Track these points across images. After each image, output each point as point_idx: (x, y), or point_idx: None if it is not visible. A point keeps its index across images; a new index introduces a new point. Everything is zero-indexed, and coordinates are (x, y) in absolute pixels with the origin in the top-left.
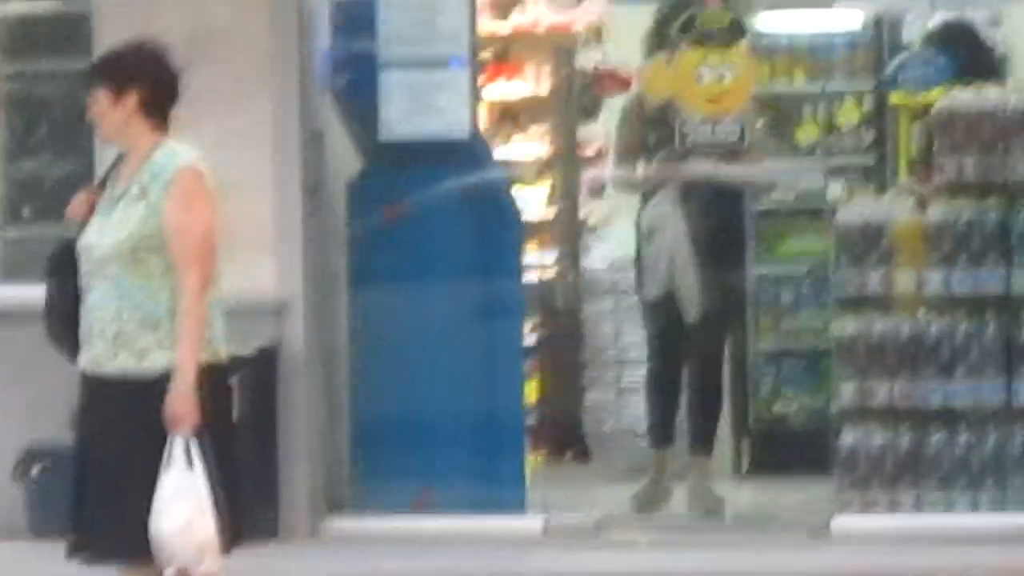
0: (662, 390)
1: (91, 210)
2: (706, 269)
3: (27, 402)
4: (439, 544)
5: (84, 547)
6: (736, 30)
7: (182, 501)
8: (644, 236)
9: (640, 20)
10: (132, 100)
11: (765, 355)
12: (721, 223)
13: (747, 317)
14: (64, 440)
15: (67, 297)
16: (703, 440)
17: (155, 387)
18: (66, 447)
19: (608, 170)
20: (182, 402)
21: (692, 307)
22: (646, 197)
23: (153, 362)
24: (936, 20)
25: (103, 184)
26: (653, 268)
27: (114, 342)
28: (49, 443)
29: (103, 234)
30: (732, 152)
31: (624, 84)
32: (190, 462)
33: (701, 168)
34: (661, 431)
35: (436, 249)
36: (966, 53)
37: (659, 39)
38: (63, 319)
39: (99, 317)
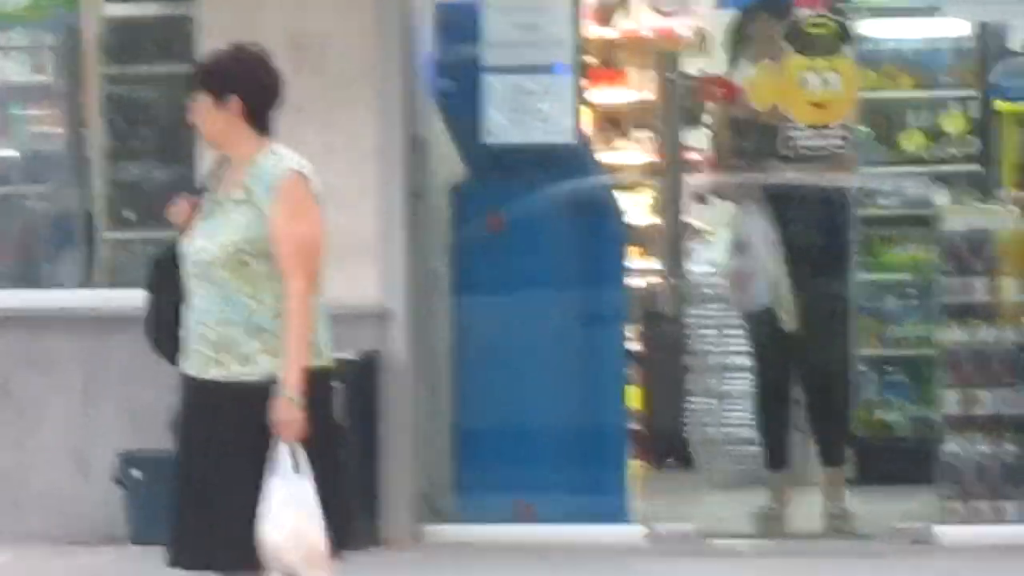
0: (769, 409)
1: (193, 215)
2: (804, 279)
3: (129, 407)
4: (541, 554)
5: (186, 555)
6: (841, 37)
7: (290, 508)
8: (738, 246)
9: None
10: (235, 105)
11: (869, 363)
12: (820, 232)
13: (851, 325)
14: (165, 446)
15: (168, 302)
16: (829, 452)
17: (260, 392)
18: (167, 453)
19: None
20: (289, 408)
21: (790, 319)
22: (739, 206)
23: (258, 367)
24: None
25: (204, 189)
26: (747, 281)
27: (219, 347)
28: (151, 449)
29: (208, 238)
30: (834, 159)
31: (729, 90)
32: (297, 469)
33: (800, 176)
34: (773, 453)
35: (539, 256)
36: None
37: (737, 43)
38: (164, 324)
39: (204, 321)
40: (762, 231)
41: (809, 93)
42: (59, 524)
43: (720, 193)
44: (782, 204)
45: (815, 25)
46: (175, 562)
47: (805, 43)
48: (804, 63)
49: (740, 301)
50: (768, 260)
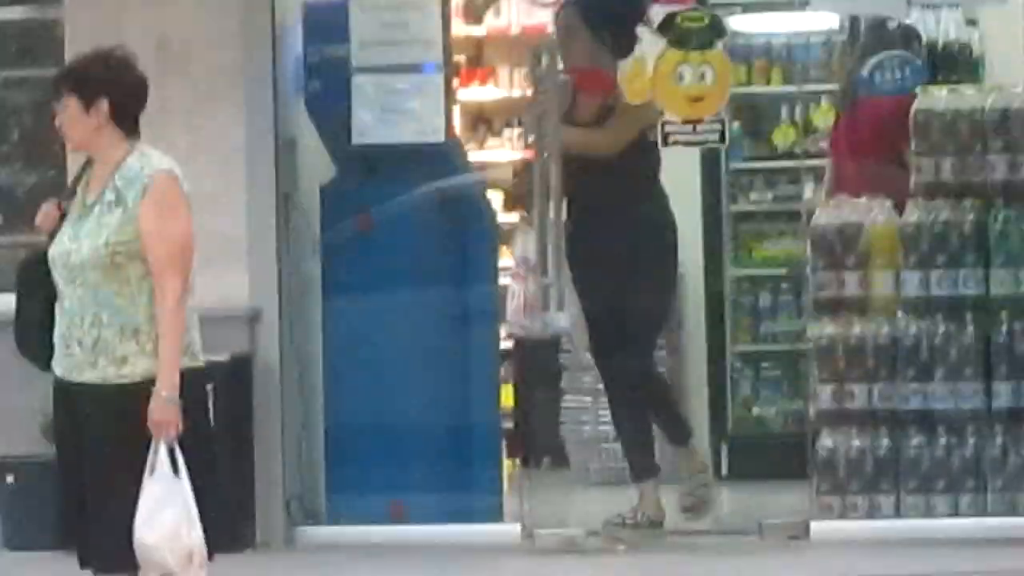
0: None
1: (61, 219)
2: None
3: (1, 412)
4: (415, 553)
5: (89, 559)
6: (715, 31)
7: (168, 508)
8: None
9: None
10: (103, 108)
11: (743, 358)
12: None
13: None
14: (36, 451)
15: (36, 306)
16: (670, 433)
17: (136, 394)
18: (39, 458)
19: None
20: (166, 408)
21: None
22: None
23: (133, 368)
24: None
25: (72, 192)
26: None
27: (93, 350)
28: (23, 454)
29: (78, 241)
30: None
31: (606, 84)
32: (175, 469)
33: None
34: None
35: (410, 256)
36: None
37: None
38: (33, 329)
39: (76, 324)
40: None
41: (684, 88)
42: None
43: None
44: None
45: (689, 19)
46: (84, 567)
47: (680, 37)
48: (679, 57)
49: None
50: (559, 281)
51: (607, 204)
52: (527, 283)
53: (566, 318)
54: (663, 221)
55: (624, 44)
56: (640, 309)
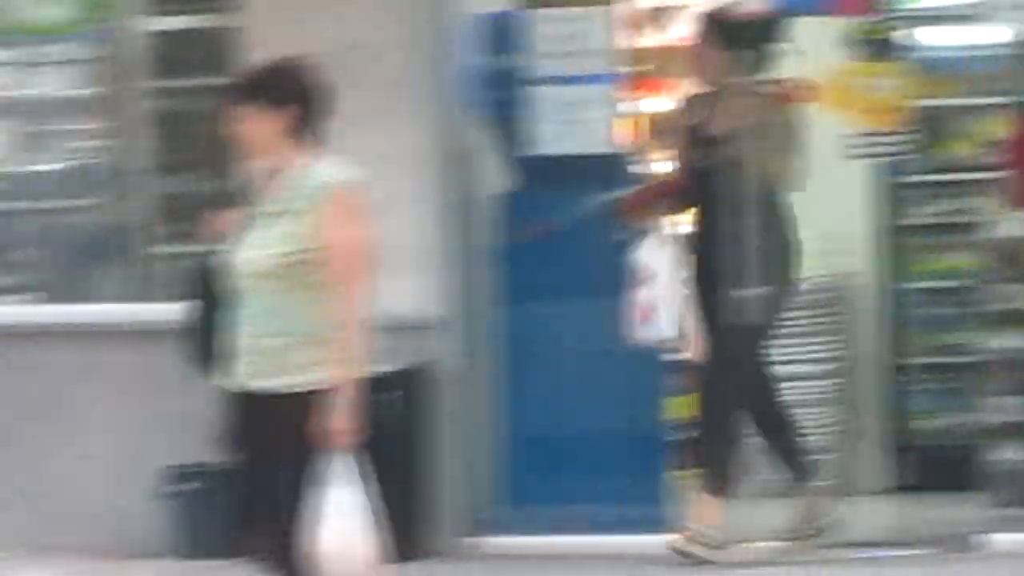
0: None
1: (236, 226)
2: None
3: (173, 419)
4: (592, 563)
5: (264, 567)
6: (894, 42)
7: (345, 517)
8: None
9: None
10: (286, 116)
11: (919, 370)
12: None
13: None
14: (210, 459)
15: (206, 316)
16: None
17: (312, 403)
18: (214, 466)
19: None
20: (343, 418)
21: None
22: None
23: (310, 378)
24: None
25: (251, 200)
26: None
27: (270, 359)
28: (198, 463)
29: (257, 249)
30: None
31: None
32: (351, 478)
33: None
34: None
35: (586, 263)
36: None
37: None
38: (202, 338)
39: (252, 333)
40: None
41: (862, 99)
42: (103, 538)
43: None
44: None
45: (867, 31)
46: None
47: (858, 49)
48: (857, 68)
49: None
50: (674, 290)
51: (729, 211)
52: (647, 289)
53: (679, 326)
54: (778, 235)
55: (761, 61)
56: (738, 321)
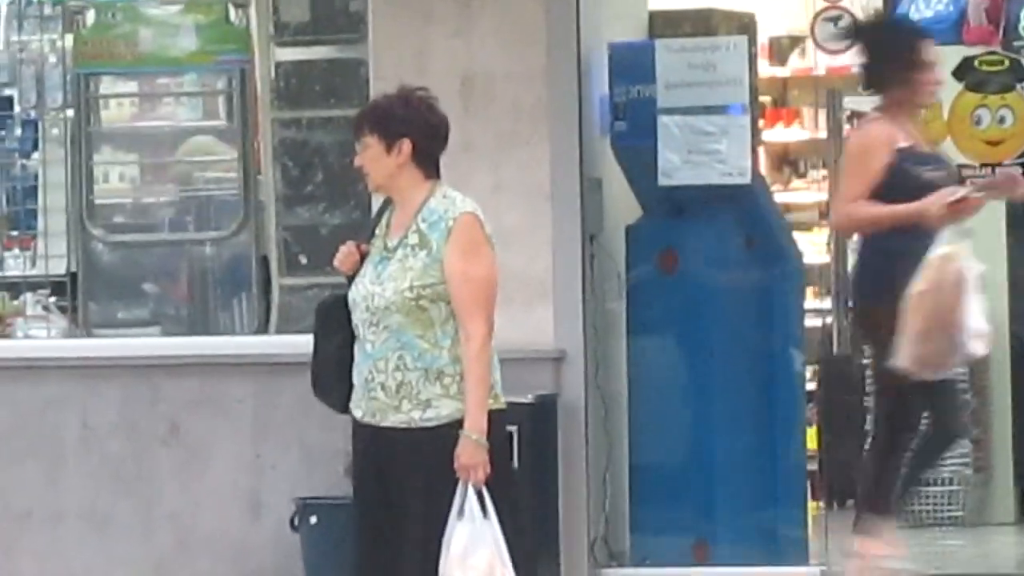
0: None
1: (360, 261)
2: None
3: (300, 450)
4: None
5: None
6: (1015, 73)
7: (480, 549)
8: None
9: None
10: (405, 148)
11: None
12: None
13: None
14: (340, 490)
15: (333, 349)
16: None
17: (442, 437)
18: (342, 499)
19: None
20: (475, 451)
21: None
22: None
23: (439, 412)
24: None
25: (371, 234)
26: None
27: (397, 393)
28: (328, 496)
29: (381, 284)
30: None
31: None
32: (484, 511)
33: None
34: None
35: (715, 296)
36: None
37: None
38: (329, 371)
39: (379, 368)
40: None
41: (982, 131)
42: (229, 568)
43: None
44: None
45: (988, 63)
46: None
47: (978, 80)
48: (976, 100)
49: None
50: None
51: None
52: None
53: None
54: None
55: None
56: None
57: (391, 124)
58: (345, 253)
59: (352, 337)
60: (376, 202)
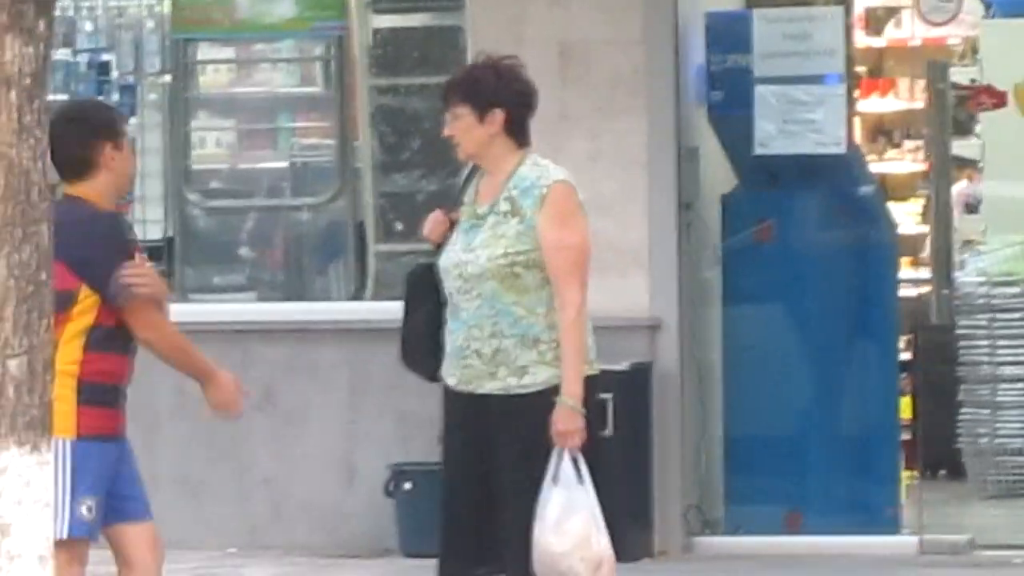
0: None
1: (449, 229)
2: None
3: (394, 416)
4: (811, 564)
5: (473, 566)
6: None
7: (575, 516)
8: None
9: (1015, 35)
10: (498, 118)
11: None
12: None
13: None
14: (434, 456)
15: (422, 318)
16: None
17: (538, 403)
18: (436, 465)
19: (983, 186)
20: (570, 417)
21: None
22: None
23: (534, 378)
24: None
25: (459, 202)
26: None
27: (492, 360)
28: (422, 461)
29: (473, 251)
30: None
31: (999, 100)
32: (580, 477)
33: None
34: None
35: (810, 265)
36: None
37: None
38: (418, 339)
39: (475, 335)
40: None
41: None
42: (324, 535)
43: None
44: None
45: None
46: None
47: None
48: None
49: None
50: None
51: None
52: None
53: None
54: None
55: None
56: None
57: (483, 94)
58: (435, 221)
59: (440, 307)
60: (470, 170)
